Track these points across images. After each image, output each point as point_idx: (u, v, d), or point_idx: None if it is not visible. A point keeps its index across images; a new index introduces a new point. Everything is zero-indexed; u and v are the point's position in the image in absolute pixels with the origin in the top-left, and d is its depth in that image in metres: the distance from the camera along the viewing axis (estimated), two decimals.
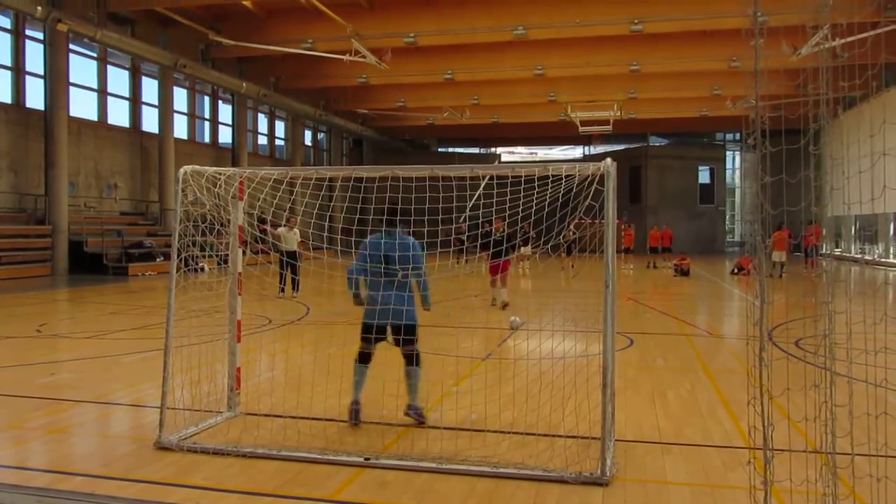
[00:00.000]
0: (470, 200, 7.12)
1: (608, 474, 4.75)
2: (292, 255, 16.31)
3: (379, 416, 6.16)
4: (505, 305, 14.69)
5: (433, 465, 4.99)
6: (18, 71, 23.33)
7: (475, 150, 55.57)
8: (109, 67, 27.16)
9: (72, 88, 24.34)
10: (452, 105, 37.95)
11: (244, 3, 24.95)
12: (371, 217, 6.19)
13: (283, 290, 16.26)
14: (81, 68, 25.79)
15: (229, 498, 4.53)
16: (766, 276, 3.78)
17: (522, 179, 5.73)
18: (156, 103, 28.72)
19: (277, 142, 40.48)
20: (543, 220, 6.38)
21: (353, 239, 6.40)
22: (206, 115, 33.96)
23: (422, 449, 5.36)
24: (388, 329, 6.07)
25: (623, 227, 29.48)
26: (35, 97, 23.68)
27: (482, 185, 6.03)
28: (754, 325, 3.64)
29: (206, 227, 6.50)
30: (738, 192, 53.34)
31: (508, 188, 5.89)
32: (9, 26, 22.98)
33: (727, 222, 51.77)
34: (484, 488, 4.68)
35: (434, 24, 26.39)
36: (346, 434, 5.79)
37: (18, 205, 23.20)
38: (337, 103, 39.30)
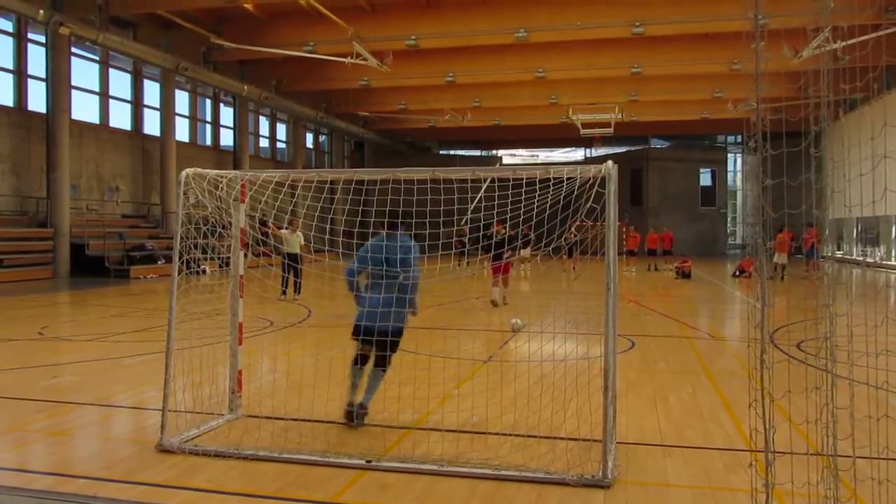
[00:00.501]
0: (471, 203, 7.12)
1: (610, 477, 4.75)
2: (294, 257, 16.37)
3: (380, 419, 6.16)
4: (495, 304, 15.10)
5: (434, 467, 4.99)
6: (20, 74, 23.38)
7: (476, 153, 55.60)
8: (111, 70, 27.21)
9: (73, 91, 24.40)
10: (454, 107, 37.97)
11: (245, 6, 24.99)
12: (372, 219, 6.19)
13: (284, 292, 16.30)
14: (83, 71, 25.85)
15: (230, 500, 4.53)
16: (767, 279, 3.78)
17: (524, 182, 5.74)
18: (157, 106, 28.77)
19: (279, 144, 40.52)
20: (545, 223, 6.38)
21: (354, 241, 6.41)
22: (208, 118, 34.00)
23: (423, 451, 5.36)
24: (375, 331, 6.02)
25: (625, 229, 29.50)
26: (37, 100, 23.74)
27: (483, 188, 6.03)
28: (756, 327, 3.64)
29: (207, 229, 6.51)
30: (739, 194, 53.32)
31: (510, 191, 5.89)
32: (11, 30, 23.03)
33: (728, 225, 51.74)
34: (485, 490, 4.68)
35: (435, 26, 26.43)
36: (347, 436, 5.79)
37: (20, 208, 23.22)
38: (338, 106, 39.34)
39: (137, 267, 23.97)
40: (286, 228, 16.49)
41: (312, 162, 43.52)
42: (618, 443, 5.47)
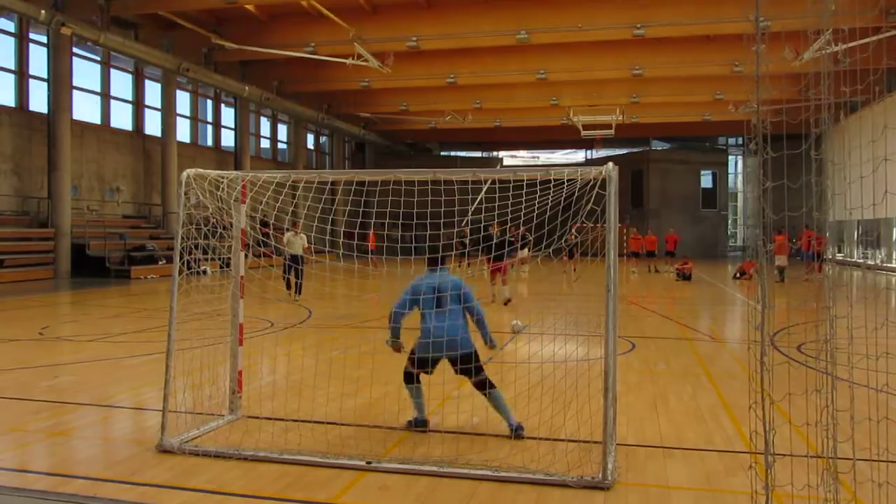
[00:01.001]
0: (472, 205, 7.12)
1: (610, 478, 4.75)
2: (296, 259, 16.48)
3: (380, 420, 6.16)
4: (507, 301, 15.27)
5: (434, 468, 4.99)
6: (22, 74, 23.40)
7: (477, 154, 55.61)
8: (112, 71, 27.24)
9: (75, 92, 24.43)
10: (455, 109, 37.98)
11: (247, 6, 25.01)
12: (373, 220, 6.19)
13: (289, 291, 16.52)
14: (85, 72, 25.88)
15: (231, 501, 4.53)
16: (767, 281, 3.78)
17: (525, 183, 5.74)
18: (159, 106, 28.79)
19: (280, 145, 40.55)
20: (545, 224, 6.38)
21: (354, 242, 6.42)
22: (209, 119, 34.02)
23: (423, 453, 5.36)
24: (447, 361, 5.83)
25: (626, 231, 29.52)
26: (38, 100, 23.76)
27: (484, 189, 6.02)
28: (756, 329, 3.64)
29: (208, 230, 6.51)
30: (740, 196, 53.30)
31: (511, 192, 5.89)
32: (13, 30, 23.06)
33: (729, 227, 51.72)
34: (485, 492, 4.68)
35: (436, 27, 26.44)
36: (347, 438, 5.79)
37: (21, 208, 23.24)
38: (339, 107, 39.36)
39: (138, 267, 23.98)
40: (289, 230, 16.60)
41: (313, 163, 43.54)
42: (618, 444, 5.47)
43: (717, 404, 7.14)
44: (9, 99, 23.11)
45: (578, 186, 5.52)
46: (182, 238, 5.92)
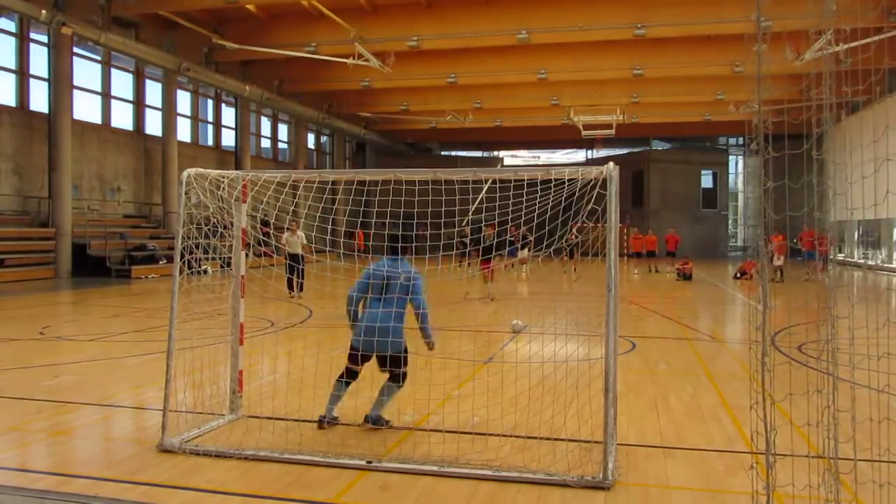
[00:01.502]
0: (472, 204, 7.12)
1: (610, 478, 4.75)
2: (296, 258, 16.58)
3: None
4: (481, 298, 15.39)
5: (435, 468, 4.99)
6: (23, 74, 23.40)
7: (478, 154, 55.56)
8: (113, 70, 27.23)
9: (76, 91, 24.42)
10: (455, 108, 37.97)
11: (248, 6, 25.00)
12: (374, 220, 6.19)
13: (291, 292, 16.56)
14: (85, 71, 25.87)
15: (231, 500, 4.53)
16: (768, 281, 3.78)
17: (525, 183, 5.74)
18: (159, 106, 28.78)
19: (280, 145, 40.54)
20: (546, 224, 6.38)
21: (355, 242, 6.42)
22: (210, 118, 34.02)
23: (424, 452, 5.36)
24: (374, 355, 5.93)
25: (626, 231, 29.52)
26: (39, 100, 23.75)
27: (484, 189, 6.02)
28: (757, 329, 3.64)
29: (209, 229, 6.51)
30: (741, 196, 53.27)
31: (511, 192, 5.89)
32: (13, 30, 23.05)
33: (730, 227, 51.70)
34: (486, 492, 4.68)
35: (437, 27, 26.43)
36: (348, 437, 5.79)
37: (22, 207, 23.24)
38: (340, 106, 39.34)
39: (139, 267, 23.98)
40: (287, 229, 16.72)
41: (314, 162, 43.54)
42: (618, 444, 5.47)
43: (718, 404, 7.14)
44: (9, 98, 23.11)
45: (579, 186, 5.52)
46: (183, 238, 5.92)
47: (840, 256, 36.00)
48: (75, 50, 24.19)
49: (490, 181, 5.90)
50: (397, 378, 5.96)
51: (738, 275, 25.47)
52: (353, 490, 4.71)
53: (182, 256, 5.89)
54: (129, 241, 25.08)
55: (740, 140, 49.49)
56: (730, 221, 51.53)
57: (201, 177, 5.90)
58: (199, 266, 6.19)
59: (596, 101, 35.11)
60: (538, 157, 55.73)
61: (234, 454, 5.27)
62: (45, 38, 23.53)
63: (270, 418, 6.12)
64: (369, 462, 5.10)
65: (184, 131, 30.73)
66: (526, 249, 22.91)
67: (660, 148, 51.44)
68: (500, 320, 13.44)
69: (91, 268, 23.58)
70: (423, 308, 5.93)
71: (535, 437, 5.65)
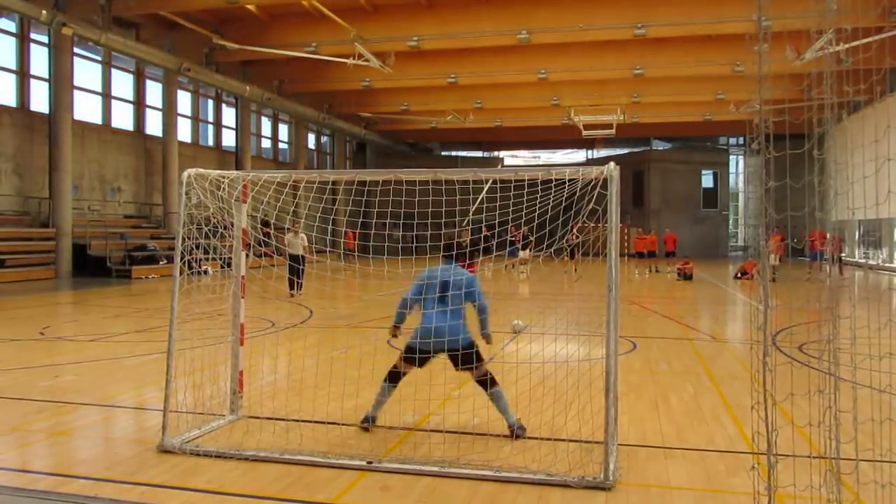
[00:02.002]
0: (473, 204, 7.12)
1: (611, 479, 4.74)
2: (296, 258, 16.63)
3: (381, 420, 6.15)
4: None
5: (436, 468, 4.98)
6: (23, 74, 23.41)
7: (478, 154, 55.59)
8: (114, 71, 27.24)
9: (76, 92, 24.43)
10: (455, 109, 37.99)
11: (248, 7, 25.01)
12: (374, 220, 6.19)
13: (292, 293, 16.62)
14: (86, 72, 25.87)
15: (232, 501, 4.52)
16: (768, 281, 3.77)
17: (526, 183, 5.73)
18: (160, 106, 28.79)
19: (281, 145, 40.55)
20: (547, 224, 6.37)
21: (356, 242, 6.42)
22: (210, 119, 34.03)
23: (424, 453, 5.35)
24: (446, 356, 5.86)
25: (627, 231, 29.54)
26: (39, 100, 23.76)
27: (485, 189, 6.02)
28: (758, 329, 3.63)
29: (209, 229, 6.51)
30: (741, 196, 53.28)
31: (512, 192, 5.88)
32: (14, 30, 23.06)
33: (730, 227, 51.70)
34: (486, 492, 4.67)
35: (437, 27, 26.44)
36: (348, 437, 5.78)
37: (22, 207, 23.26)
38: (340, 107, 39.36)
39: (139, 267, 24.00)
40: (289, 230, 16.77)
41: (314, 162, 43.55)
42: (619, 445, 5.46)
43: (719, 404, 7.13)
44: (10, 99, 23.12)
45: (580, 186, 5.51)
46: (183, 238, 5.91)
47: (842, 256, 35.98)
48: (76, 50, 24.20)
49: (490, 181, 5.89)
50: (485, 382, 5.77)
51: (739, 275, 25.46)
52: (353, 490, 4.71)
53: (182, 257, 5.88)
54: (129, 242, 25.09)
55: (741, 140, 49.48)
56: (730, 221, 51.55)
57: (202, 177, 5.89)
58: (200, 266, 6.18)
59: (596, 100, 35.12)
60: (538, 158, 55.75)
61: (234, 455, 5.27)
62: (45, 39, 23.54)
63: (271, 419, 6.12)
64: (370, 462, 5.10)
65: (184, 131, 30.74)
66: (527, 250, 22.92)
67: (660, 148, 51.44)
68: (500, 320, 13.43)
69: (91, 268, 23.59)
70: (487, 311, 5.99)
71: (536, 438, 5.64)
